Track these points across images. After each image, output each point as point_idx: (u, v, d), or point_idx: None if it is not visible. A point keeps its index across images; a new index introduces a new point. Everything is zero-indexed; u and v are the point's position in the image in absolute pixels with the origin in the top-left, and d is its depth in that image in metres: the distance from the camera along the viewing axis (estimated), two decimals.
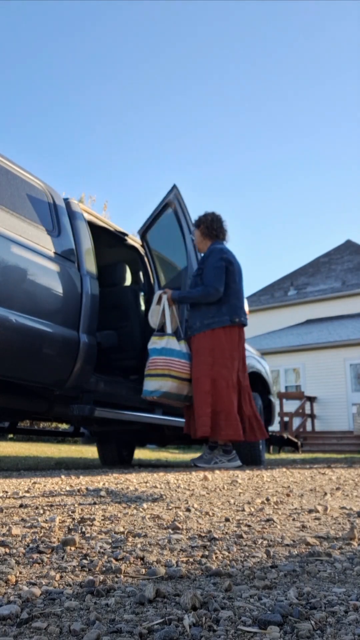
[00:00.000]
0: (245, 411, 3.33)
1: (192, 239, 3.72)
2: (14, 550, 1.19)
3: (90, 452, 8.81)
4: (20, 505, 1.86)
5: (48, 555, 1.15)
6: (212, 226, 3.48)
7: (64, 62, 43.70)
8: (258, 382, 5.75)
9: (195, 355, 3.34)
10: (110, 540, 1.31)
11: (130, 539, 1.33)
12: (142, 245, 4.55)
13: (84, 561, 1.10)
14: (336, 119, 48.76)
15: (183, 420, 4.15)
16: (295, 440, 11.38)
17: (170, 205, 4.06)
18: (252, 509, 1.87)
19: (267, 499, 2.13)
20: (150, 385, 3.34)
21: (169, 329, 3.47)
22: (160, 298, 3.56)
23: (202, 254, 3.55)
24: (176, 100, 46.49)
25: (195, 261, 3.85)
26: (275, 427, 14.43)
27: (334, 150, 51.37)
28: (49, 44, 42.37)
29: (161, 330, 3.55)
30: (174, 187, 4.05)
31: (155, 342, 3.43)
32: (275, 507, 1.96)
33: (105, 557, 1.15)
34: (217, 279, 3.30)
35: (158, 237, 4.49)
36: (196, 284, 3.44)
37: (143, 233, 4.46)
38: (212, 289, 3.29)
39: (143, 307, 4.51)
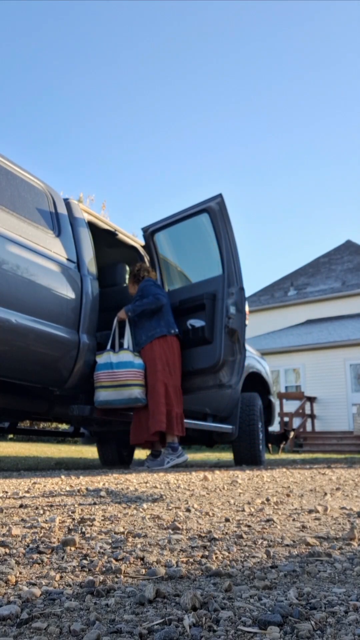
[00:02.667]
0: (178, 410, 3.85)
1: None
2: (14, 551, 1.19)
3: (90, 452, 8.81)
4: (20, 506, 1.86)
5: (48, 556, 1.15)
6: (138, 274, 4.12)
7: (62, 55, 43.68)
8: (258, 382, 5.75)
9: (148, 366, 3.82)
10: (110, 541, 1.31)
11: (130, 539, 1.33)
12: (146, 244, 4.54)
13: (84, 561, 1.10)
14: (336, 119, 48.79)
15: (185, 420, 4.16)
16: (285, 429, 11.37)
17: (209, 211, 4.08)
18: (252, 509, 1.87)
19: (267, 499, 2.13)
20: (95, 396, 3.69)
21: (108, 346, 3.85)
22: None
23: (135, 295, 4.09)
24: (175, 95, 46.50)
25: (233, 270, 4.03)
26: (275, 427, 14.43)
27: (333, 150, 51.39)
28: (45, 36, 42.34)
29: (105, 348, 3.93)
30: (220, 195, 4.06)
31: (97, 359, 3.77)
32: (275, 507, 1.96)
33: (105, 557, 1.15)
34: (157, 291, 3.95)
35: (172, 240, 4.50)
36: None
37: (152, 232, 4.45)
38: (159, 296, 3.92)
39: None
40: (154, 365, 3.78)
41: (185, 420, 4.19)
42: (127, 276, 4.61)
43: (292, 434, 11.35)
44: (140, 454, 8.92)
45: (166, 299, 4.00)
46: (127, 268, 4.62)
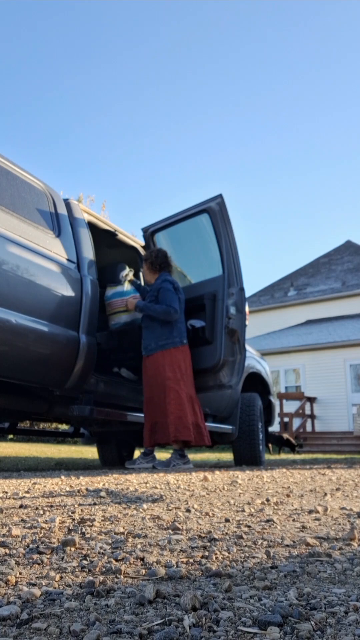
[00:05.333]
0: (199, 420, 3.81)
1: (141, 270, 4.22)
2: (14, 551, 1.19)
3: (90, 452, 8.81)
4: (20, 506, 1.86)
5: (48, 556, 1.15)
6: (156, 261, 3.96)
7: (62, 54, 43.70)
8: (258, 382, 5.75)
9: (157, 374, 3.76)
10: (110, 541, 1.31)
11: (130, 540, 1.33)
12: (146, 245, 4.54)
13: (84, 562, 1.10)
14: (337, 119, 48.81)
15: None
16: (294, 442, 11.39)
17: (209, 211, 4.07)
18: (252, 510, 1.87)
19: (267, 500, 2.13)
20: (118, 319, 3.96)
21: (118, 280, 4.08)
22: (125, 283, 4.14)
23: (151, 284, 4.03)
24: (176, 95, 46.51)
25: (233, 270, 4.01)
26: (275, 427, 14.43)
27: (334, 150, 51.41)
28: (45, 35, 42.33)
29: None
30: (220, 196, 4.06)
31: (112, 289, 4.04)
32: (275, 507, 1.96)
33: (105, 557, 1.15)
34: (174, 302, 3.79)
35: (172, 241, 4.50)
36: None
37: (152, 232, 4.45)
38: (173, 309, 3.76)
39: None
40: (164, 372, 3.70)
41: None
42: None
43: (296, 445, 11.46)
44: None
45: (182, 303, 3.88)
46: (127, 268, 4.62)
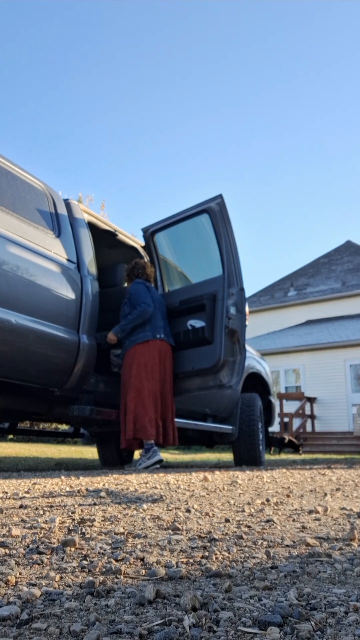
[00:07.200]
0: (168, 418, 3.85)
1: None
2: (14, 551, 1.19)
3: (90, 452, 8.81)
4: (20, 506, 1.86)
5: (48, 556, 1.15)
6: (132, 272, 4.11)
7: (62, 54, 43.67)
8: (258, 382, 5.75)
9: (124, 372, 3.83)
10: (110, 541, 1.31)
11: (130, 540, 1.33)
12: (146, 245, 4.54)
13: (84, 562, 1.10)
14: (337, 120, 48.81)
15: (183, 421, 4.16)
16: (296, 442, 11.36)
17: (209, 212, 4.08)
18: (252, 510, 1.87)
19: (267, 500, 2.13)
20: None
21: None
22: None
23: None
24: (175, 95, 46.49)
25: (233, 270, 4.01)
26: (275, 427, 14.42)
27: (334, 150, 51.43)
28: (45, 36, 42.30)
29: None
30: (220, 196, 4.06)
31: None
32: (275, 508, 1.96)
33: (105, 558, 1.15)
34: (144, 297, 3.87)
35: (172, 241, 4.50)
36: (126, 313, 3.93)
37: (152, 233, 4.45)
38: (144, 305, 3.83)
39: None
40: (130, 370, 3.77)
41: (185, 421, 4.19)
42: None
43: (300, 446, 11.48)
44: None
45: (158, 302, 3.99)
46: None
